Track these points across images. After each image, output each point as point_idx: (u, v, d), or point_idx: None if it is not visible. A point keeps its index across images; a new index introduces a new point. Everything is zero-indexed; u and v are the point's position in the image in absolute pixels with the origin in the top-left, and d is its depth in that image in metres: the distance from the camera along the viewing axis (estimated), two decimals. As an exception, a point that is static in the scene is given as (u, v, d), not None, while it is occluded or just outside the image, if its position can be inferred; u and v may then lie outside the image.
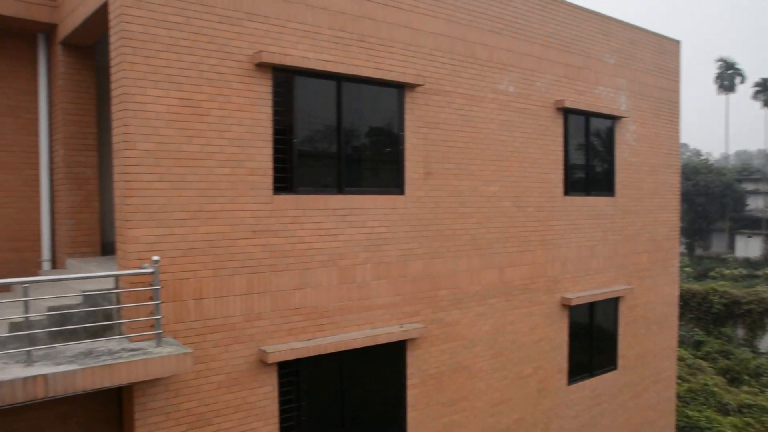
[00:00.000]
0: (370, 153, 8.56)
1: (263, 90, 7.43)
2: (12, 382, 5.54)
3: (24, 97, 8.48)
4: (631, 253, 12.71)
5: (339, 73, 7.93)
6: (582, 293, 11.55)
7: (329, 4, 7.90)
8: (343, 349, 8.02)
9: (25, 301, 5.84)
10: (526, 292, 10.62)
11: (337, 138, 8.12)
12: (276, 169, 7.57)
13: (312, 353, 7.78)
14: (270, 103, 7.49)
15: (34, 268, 8.54)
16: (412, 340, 8.93)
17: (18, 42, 8.46)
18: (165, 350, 6.40)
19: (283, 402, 7.86)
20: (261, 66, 7.36)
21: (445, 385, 9.45)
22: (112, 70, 6.71)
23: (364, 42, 8.25)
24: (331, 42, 7.90)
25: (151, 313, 6.58)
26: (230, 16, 7.16)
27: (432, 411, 9.29)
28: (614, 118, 12.12)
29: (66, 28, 8.01)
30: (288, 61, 7.45)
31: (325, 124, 8.07)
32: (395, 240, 8.68)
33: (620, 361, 12.58)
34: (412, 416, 9.05)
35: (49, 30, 8.47)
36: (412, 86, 8.72)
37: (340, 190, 8.12)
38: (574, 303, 11.29)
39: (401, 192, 8.76)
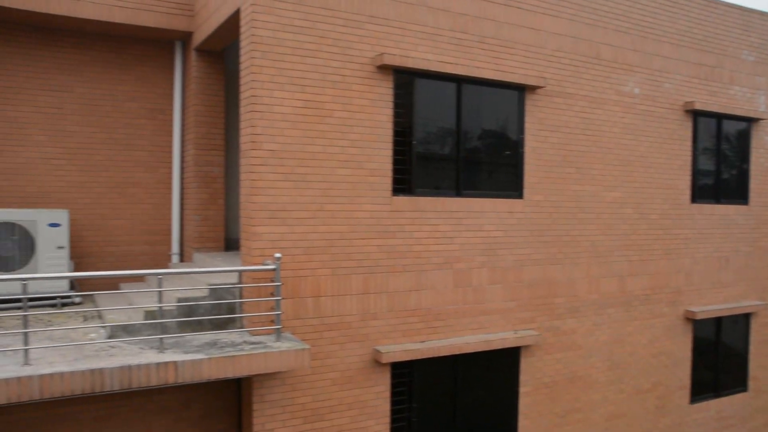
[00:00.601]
0: (488, 156, 8.44)
1: (384, 92, 7.49)
2: (147, 366, 5.88)
3: (161, 101, 9.03)
4: (766, 266, 11.82)
5: (459, 75, 7.88)
6: (708, 307, 10.86)
7: (450, 6, 7.87)
8: (456, 352, 7.96)
9: (160, 292, 6.19)
10: (647, 303, 10.12)
11: (455, 140, 8.07)
12: (395, 171, 7.63)
13: (425, 355, 7.77)
14: (390, 105, 7.54)
15: (165, 261, 9.07)
16: (527, 347, 8.72)
17: (158, 49, 9.02)
18: (284, 345, 6.58)
19: (395, 402, 7.89)
20: (382, 68, 7.43)
21: (559, 395, 9.17)
22: (242, 73, 6.99)
23: (484, 43, 8.16)
24: (451, 44, 7.86)
25: (272, 309, 6.79)
26: (353, 19, 7.27)
27: (545, 421, 9.04)
28: (751, 120, 11.32)
29: (200, 36, 8.44)
30: (409, 63, 7.48)
31: (444, 126, 8.03)
32: (512, 244, 8.52)
33: (751, 383, 11.73)
34: (524, 425, 8.84)
35: (185, 38, 8.96)
36: (533, 88, 8.53)
37: (458, 192, 8.07)
38: (699, 317, 10.63)
39: (519, 196, 8.58)
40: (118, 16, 8.27)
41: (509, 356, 8.64)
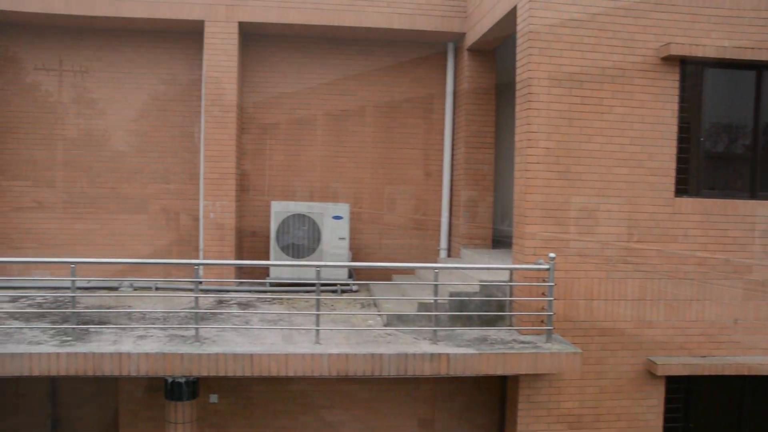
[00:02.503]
0: (792, 154, 7.43)
1: (668, 85, 6.96)
2: (422, 356, 6.16)
3: (433, 100, 9.44)
4: None
5: (761, 62, 7.02)
6: None
7: (753, -15, 7.04)
8: (745, 373, 7.14)
9: (435, 285, 6.44)
10: None
11: (752, 136, 7.22)
12: (678, 170, 7.05)
13: (707, 372, 7.09)
14: (675, 98, 6.98)
15: (433, 255, 9.45)
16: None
17: (431, 52, 9.42)
18: (555, 347, 6.45)
19: (668, 419, 7.33)
20: (668, 59, 6.90)
21: None
22: (518, 71, 6.98)
23: (793, 24, 7.17)
24: (752, 26, 7.02)
25: (542, 309, 6.70)
26: (636, 8, 6.86)
27: None
28: None
29: (473, 36, 8.61)
30: (699, 52, 6.85)
31: (737, 121, 7.24)
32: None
33: None
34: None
35: (458, 39, 9.21)
36: None
37: (752, 195, 7.21)
38: None
39: (830, 200, 7.41)
40: (398, 23, 8.77)
41: (812, 384, 7.53)
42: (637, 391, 7.16)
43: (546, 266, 6.46)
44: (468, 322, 7.10)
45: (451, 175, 9.38)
